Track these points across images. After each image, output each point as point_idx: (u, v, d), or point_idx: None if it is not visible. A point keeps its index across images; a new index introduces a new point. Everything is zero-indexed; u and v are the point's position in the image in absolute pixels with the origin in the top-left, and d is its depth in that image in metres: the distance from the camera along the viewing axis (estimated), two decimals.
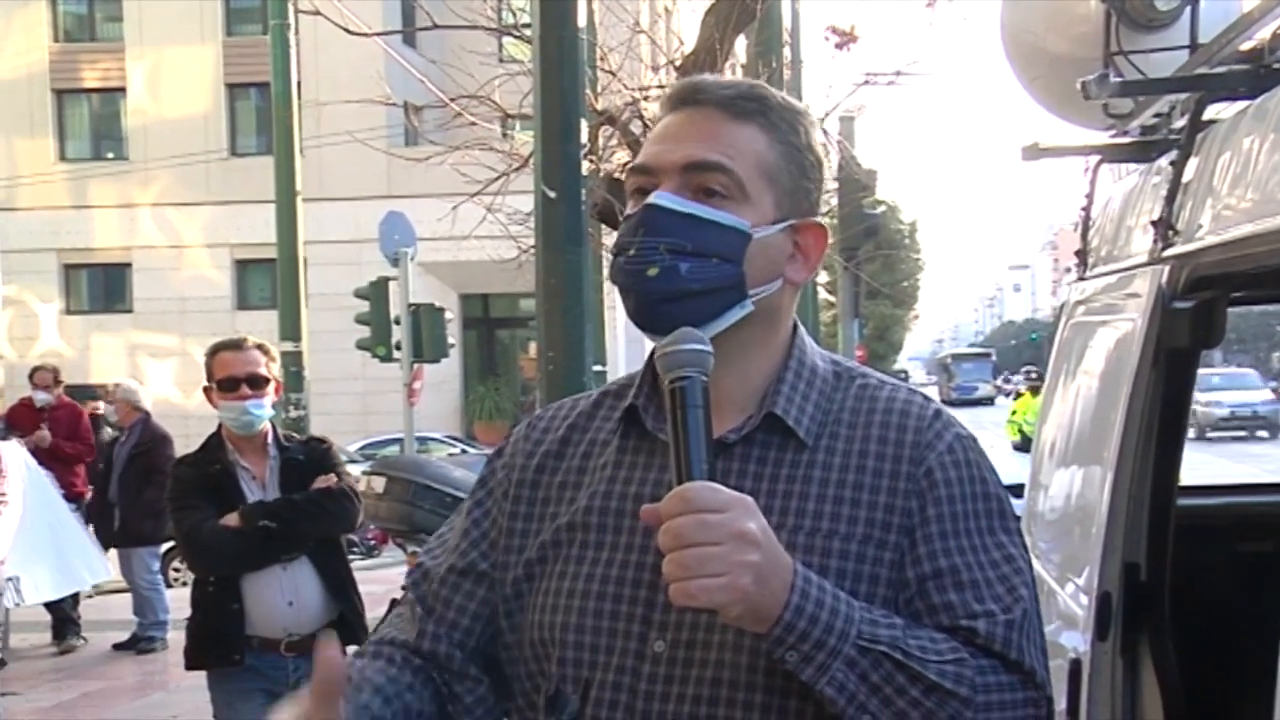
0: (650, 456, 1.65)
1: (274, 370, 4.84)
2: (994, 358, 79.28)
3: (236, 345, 4.82)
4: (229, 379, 4.71)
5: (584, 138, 5.93)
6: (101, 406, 12.19)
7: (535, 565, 1.68)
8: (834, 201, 19.40)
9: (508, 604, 1.69)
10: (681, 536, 1.39)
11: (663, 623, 1.57)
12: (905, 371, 79.57)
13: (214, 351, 4.84)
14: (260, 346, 4.86)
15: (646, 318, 1.59)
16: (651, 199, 1.60)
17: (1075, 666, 3.24)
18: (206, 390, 4.82)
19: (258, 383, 4.71)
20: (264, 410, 4.73)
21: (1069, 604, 3.53)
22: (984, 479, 1.63)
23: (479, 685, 1.70)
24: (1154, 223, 3.15)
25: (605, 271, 1.52)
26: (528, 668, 1.66)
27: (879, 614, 1.51)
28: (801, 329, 1.75)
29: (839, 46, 11.42)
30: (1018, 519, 1.67)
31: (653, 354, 1.63)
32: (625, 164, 8.10)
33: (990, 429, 35.48)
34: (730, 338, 1.61)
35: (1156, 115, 3.45)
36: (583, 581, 1.62)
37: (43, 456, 10.37)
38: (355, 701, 1.57)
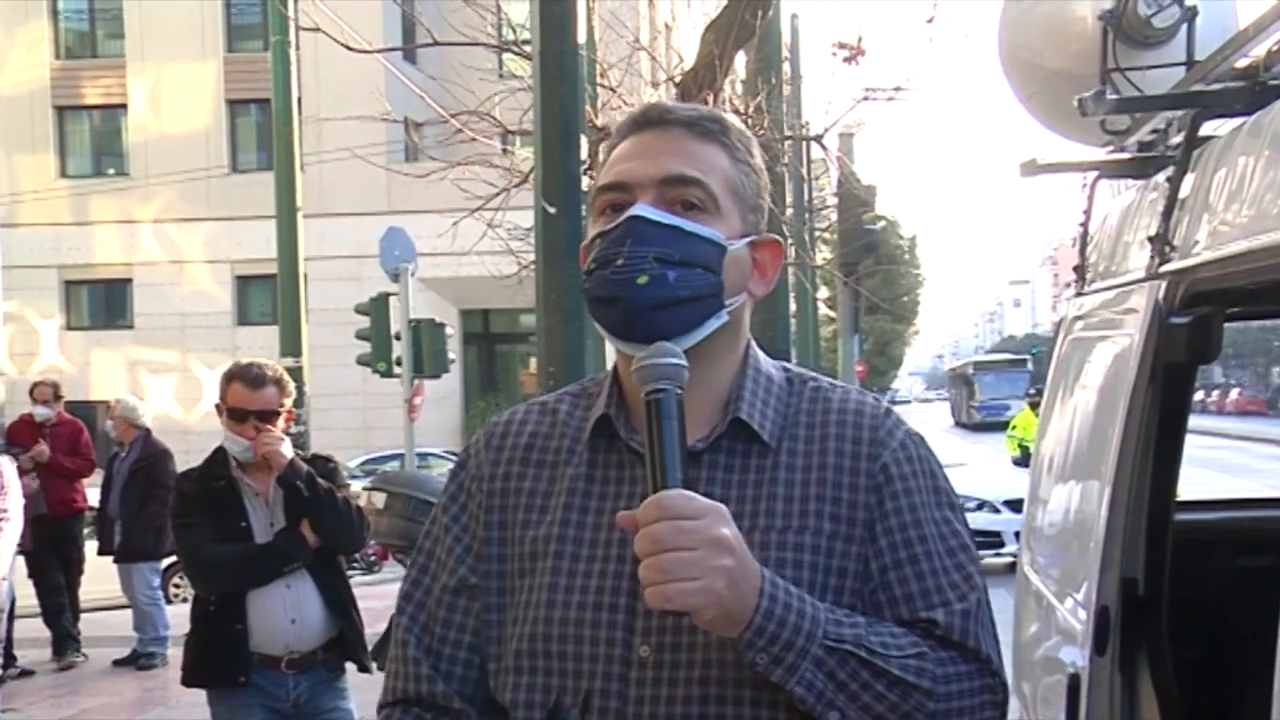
0: (621, 469, 1.71)
1: (288, 402, 4.80)
2: (1031, 366, 55.97)
3: (255, 383, 4.68)
4: (239, 410, 4.69)
5: (584, 153, 5.95)
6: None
7: (515, 578, 1.71)
8: (833, 217, 19.45)
9: (488, 614, 1.73)
10: (659, 541, 1.44)
11: (646, 629, 1.61)
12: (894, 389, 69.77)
13: (230, 378, 4.74)
14: (279, 382, 4.75)
15: (633, 326, 1.62)
16: (636, 211, 1.64)
17: (1074, 681, 3.24)
18: (218, 407, 4.80)
19: (266, 418, 4.68)
20: None
21: (1067, 618, 3.53)
22: (933, 472, 1.73)
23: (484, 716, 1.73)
24: (1151, 238, 3.17)
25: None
26: (513, 679, 1.69)
27: (842, 614, 1.58)
28: (754, 341, 1.82)
29: (848, 61, 11.46)
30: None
31: (617, 364, 1.75)
32: None
33: (988, 444, 35.47)
34: (703, 349, 1.66)
35: (1153, 131, 3.47)
36: (562, 593, 1.66)
37: (43, 472, 10.37)
38: None
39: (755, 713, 1.58)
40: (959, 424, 58.91)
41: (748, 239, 1.71)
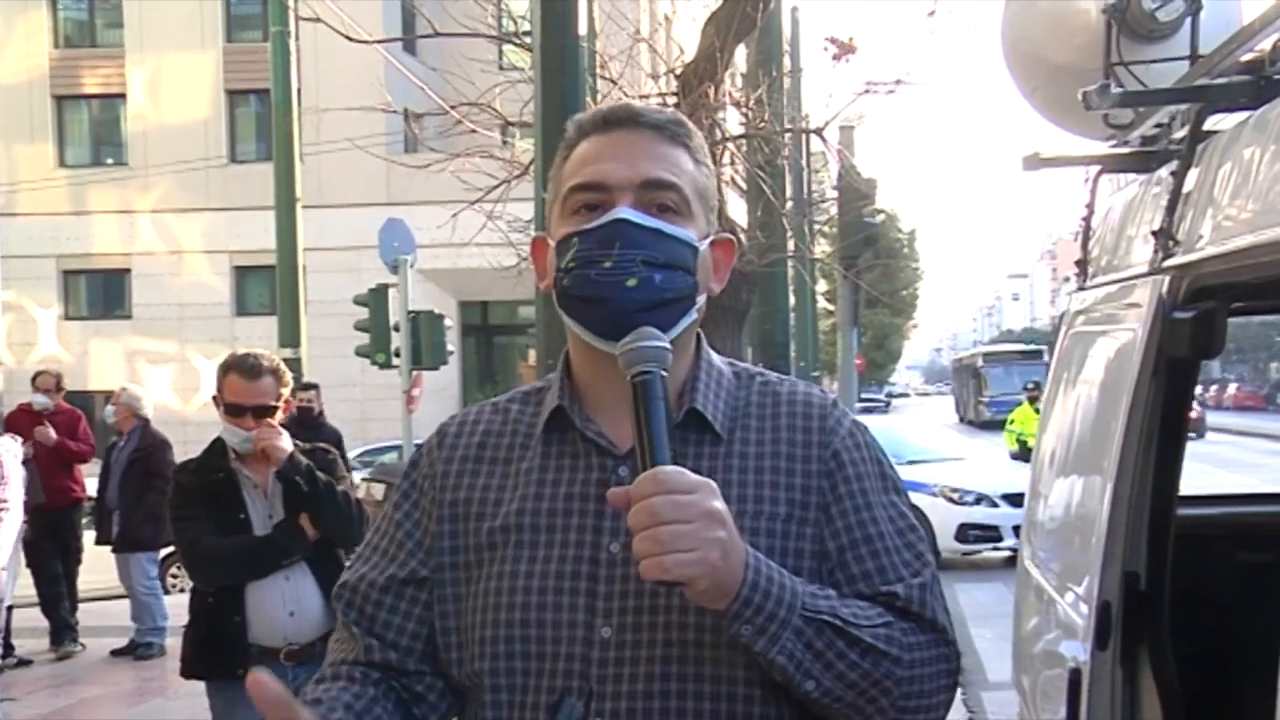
0: (575, 458, 1.76)
1: (285, 392, 4.79)
2: (1047, 358, 35.83)
3: (251, 373, 4.68)
4: (236, 405, 4.67)
5: None
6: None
7: (471, 568, 1.75)
8: (833, 210, 19.43)
9: (444, 605, 1.76)
10: (656, 515, 1.49)
11: (607, 610, 1.66)
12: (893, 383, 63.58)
13: (227, 369, 4.73)
14: (275, 372, 4.74)
15: (620, 327, 1.66)
16: (621, 214, 1.68)
17: (1075, 676, 3.24)
18: (215, 399, 4.78)
19: (263, 413, 4.67)
20: None
21: (1069, 613, 3.53)
22: (879, 459, 1.82)
23: (436, 680, 1.78)
24: (1154, 233, 3.16)
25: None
26: (476, 664, 1.72)
27: (814, 588, 1.65)
28: (703, 335, 1.87)
29: (837, 58, 11.41)
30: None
31: (567, 356, 1.81)
32: None
33: (986, 439, 35.42)
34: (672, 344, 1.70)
35: (1157, 126, 3.46)
36: (523, 579, 1.70)
37: (41, 462, 10.36)
38: None
39: (715, 689, 1.64)
40: (965, 421, 53.92)
41: (710, 239, 1.78)
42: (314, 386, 11.69)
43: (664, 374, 1.60)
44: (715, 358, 1.86)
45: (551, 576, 1.68)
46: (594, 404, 1.76)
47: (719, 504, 1.52)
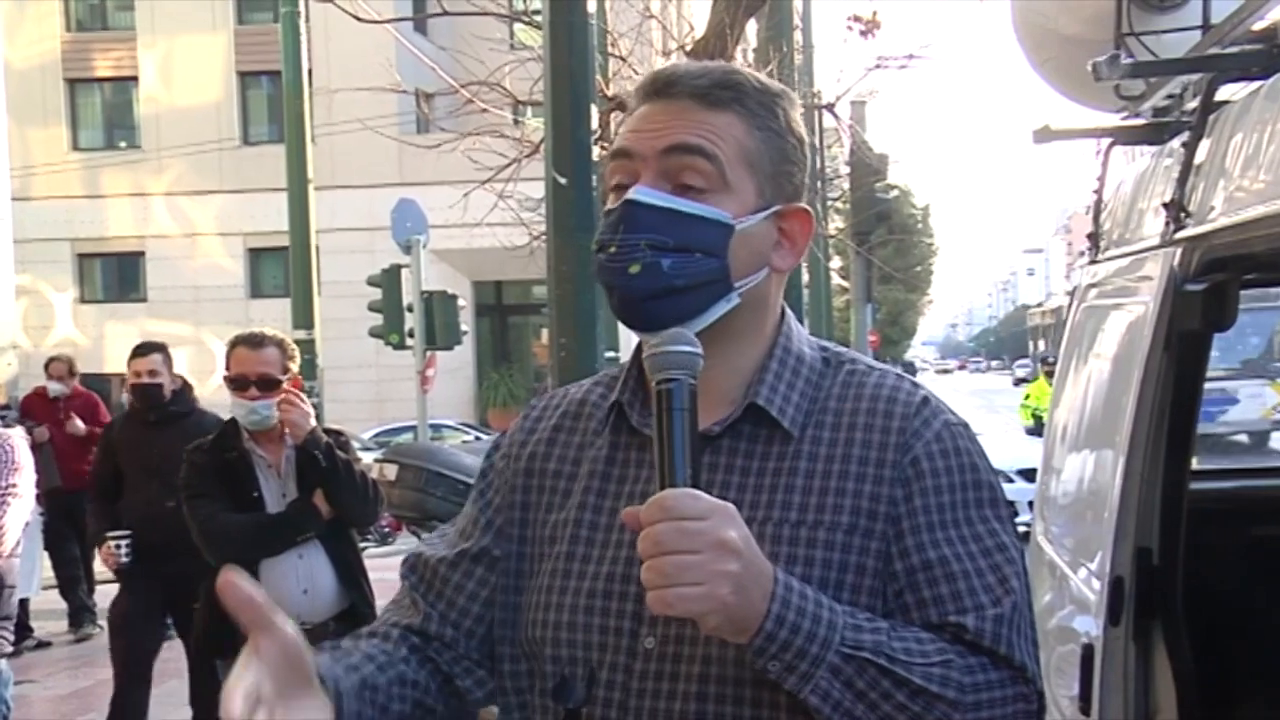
0: (640, 453, 1.65)
1: (293, 368, 4.83)
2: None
3: (255, 343, 4.77)
4: (240, 377, 4.72)
5: (595, 124, 5.91)
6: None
7: (534, 560, 1.70)
8: (846, 186, 19.39)
9: (506, 595, 1.71)
10: (660, 544, 1.37)
11: (653, 619, 1.57)
12: (912, 363, 63.53)
13: (233, 344, 4.82)
14: (280, 344, 4.81)
15: (632, 315, 1.58)
16: (630, 195, 1.57)
17: (1088, 651, 3.23)
18: (226, 378, 4.83)
19: (268, 384, 4.70)
20: (271, 411, 4.73)
21: (1081, 589, 3.52)
22: (974, 466, 1.61)
23: (479, 668, 1.71)
24: (1166, 205, 3.14)
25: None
26: (520, 665, 1.68)
27: (863, 617, 1.49)
28: (790, 315, 1.73)
29: (864, 35, 11.40)
30: (1011, 505, 1.65)
31: (639, 348, 1.63)
32: None
33: (1004, 413, 35.41)
34: (718, 330, 1.60)
35: (1168, 96, 3.43)
36: (574, 579, 1.63)
37: (61, 442, 10.39)
38: (346, 662, 1.58)
39: (756, 713, 1.52)
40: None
41: (768, 211, 1.62)
42: (159, 349, 7.69)
43: (692, 382, 1.45)
44: (800, 342, 1.70)
45: (602, 579, 1.61)
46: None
47: (734, 532, 1.38)
